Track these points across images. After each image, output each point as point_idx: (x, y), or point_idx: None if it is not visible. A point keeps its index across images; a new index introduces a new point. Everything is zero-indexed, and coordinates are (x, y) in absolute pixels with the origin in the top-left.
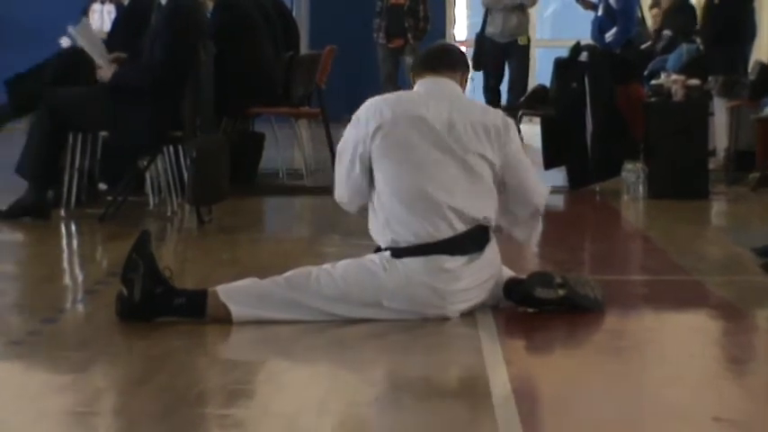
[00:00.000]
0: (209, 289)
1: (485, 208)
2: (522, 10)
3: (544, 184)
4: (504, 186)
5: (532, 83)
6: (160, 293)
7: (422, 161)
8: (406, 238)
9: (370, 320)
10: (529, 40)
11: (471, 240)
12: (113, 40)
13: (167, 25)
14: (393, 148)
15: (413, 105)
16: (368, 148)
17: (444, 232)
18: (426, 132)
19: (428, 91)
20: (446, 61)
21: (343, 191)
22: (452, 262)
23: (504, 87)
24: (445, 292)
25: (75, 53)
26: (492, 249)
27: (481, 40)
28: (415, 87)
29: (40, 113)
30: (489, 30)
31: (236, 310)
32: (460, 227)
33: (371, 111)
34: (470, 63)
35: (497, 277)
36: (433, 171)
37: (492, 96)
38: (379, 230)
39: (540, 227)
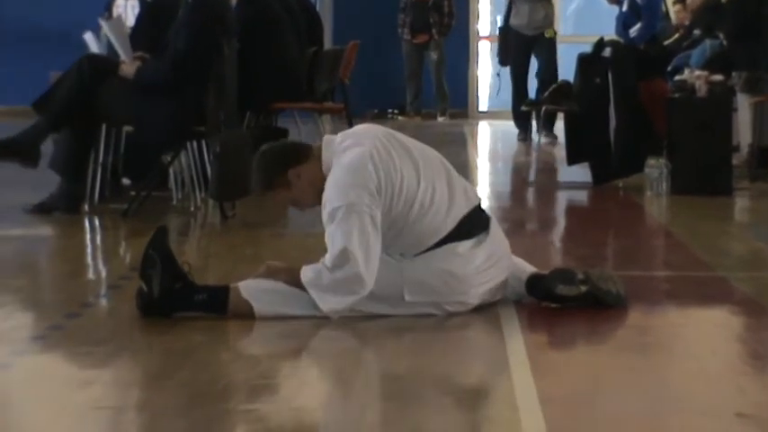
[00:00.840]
0: (231, 285)
1: (466, 191)
2: (548, 0)
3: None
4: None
5: None
6: (179, 289)
7: (422, 173)
8: (427, 245)
9: (392, 316)
10: (555, 33)
11: (475, 222)
12: (137, 35)
13: (191, 16)
14: (391, 183)
15: (367, 138)
16: (380, 203)
17: (447, 228)
18: (399, 145)
19: (348, 137)
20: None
21: (374, 271)
22: (463, 246)
23: (529, 81)
24: (464, 276)
25: (95, 60)
26: (495, 226)
27: (505, 32)
28: (330, 144)
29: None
30: (514, 21)
31: (259, 307)
32: (459, 214)
33: (360, 187)
34: (498, 59)
35: (509, 257)
36: (437, 174)
37: (518, 91)
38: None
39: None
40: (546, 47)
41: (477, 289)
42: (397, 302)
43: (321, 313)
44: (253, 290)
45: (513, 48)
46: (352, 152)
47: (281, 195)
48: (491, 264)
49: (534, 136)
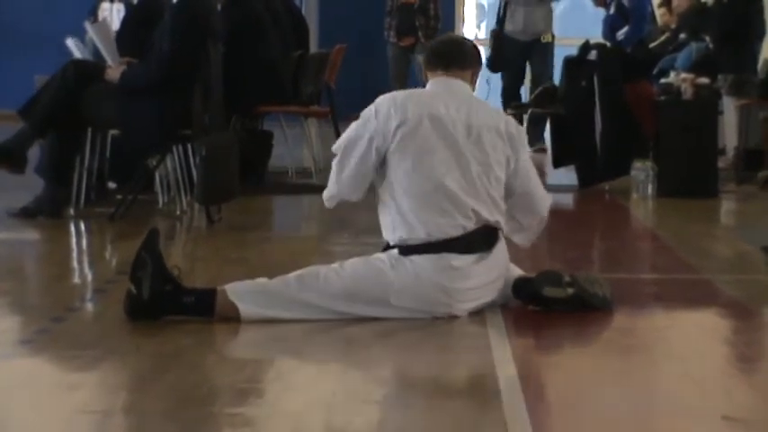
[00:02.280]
0: (218, 288)
1: (496, 212)
2: (545, 2)
3: (548, 194)
4: (512, 193)
5: None
6: (169, 292)
7: (440, 161)
8: (417, 235)
9: (378, 319)
10: (553, 38)
11: (480, 239)
12: (123, 38)
13: (176, 18)
14: (413, 146)
15: (433, 105)
16: (388, 142)
17: (455, 231)
18: (446, 133)
19: (445, 91)
20: (459, 59)
21: (345, 185)
22: (460, 260)
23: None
24: (453, 290)
25: (81, 65)
26: (501, 249)
27: (499, 38)
28: (429, 86)
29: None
30: (509, 27)
31: (245, 309)
32: (471, 226)
33: (393, 106)
34: (488, 64)
35: (506, 277)
36: (450, 171)
37: (511, 98)
38: (389, 226)
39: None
40: (541, 52)
41: (464, 305)
42: (384, 306)
43: (305, 316)
44: (239, 292)
45: (507, 54)
46: (420, 93)
47: None
48: (484, 283)
49: None
